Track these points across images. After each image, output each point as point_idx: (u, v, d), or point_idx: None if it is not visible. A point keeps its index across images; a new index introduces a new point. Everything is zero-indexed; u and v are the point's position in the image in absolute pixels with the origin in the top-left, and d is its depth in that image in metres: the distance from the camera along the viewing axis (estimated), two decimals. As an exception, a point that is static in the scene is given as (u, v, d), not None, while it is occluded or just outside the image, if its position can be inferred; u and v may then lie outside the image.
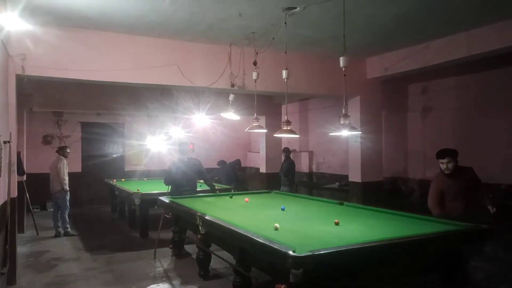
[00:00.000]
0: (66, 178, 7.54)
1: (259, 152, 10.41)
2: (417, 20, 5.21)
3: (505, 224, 5.91)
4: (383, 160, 7.75)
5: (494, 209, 4.32)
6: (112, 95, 8.18)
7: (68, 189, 7.56)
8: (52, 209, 8.06)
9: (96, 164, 10.99)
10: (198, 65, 6.04)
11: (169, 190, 6.37)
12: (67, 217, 7.58)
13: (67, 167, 7.65)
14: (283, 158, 9.07)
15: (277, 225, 3.70)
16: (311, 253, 2.69)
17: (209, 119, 9.27)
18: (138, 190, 7.40)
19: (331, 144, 9.73)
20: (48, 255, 6.17)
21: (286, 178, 8.68)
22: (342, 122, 4.10)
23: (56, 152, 7.95)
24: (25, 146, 8.64)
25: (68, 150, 7.95)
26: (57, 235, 7.44)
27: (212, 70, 6.09)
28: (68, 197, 7.60)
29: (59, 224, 7.53)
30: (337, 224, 3.85)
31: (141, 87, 7.60)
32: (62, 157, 7.68)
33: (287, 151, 9.07)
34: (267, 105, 9.35)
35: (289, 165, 8.80)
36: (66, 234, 7.47)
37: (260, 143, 10.00)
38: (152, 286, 4.79)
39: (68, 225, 7.57)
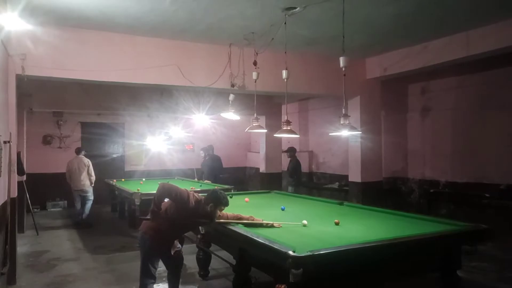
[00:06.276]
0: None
1: (259, 152, 10.41)
2: (416, 21, 5.22)
3: (505, 224, 5.93)
4: (383, 160, 7.75)
5: None
6: (112, 95, 8.18)
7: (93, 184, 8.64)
8: (75, 204, 8.61)
9: (96, 164, 10.92)
10: (198, 65, 6.05)
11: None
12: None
13: None
14: (288, 158, 8.94)
15: (305, 221, 3.84)
16: (311, 253, 2.70)
17: (209, 119, 9.26)
18: (138, 190, 7.40)
19: (331, 144, 9.73)
20: (48, 255, 6.17)
21: (292, 178, 8.64)
22: (342, 122, 4.10)
23: (75, 152, 8.79)
24: (25, 146, 8.64)
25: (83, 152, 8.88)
26: (78, 222, 8.33)
27: (212, 70, 6.09)
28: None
29: (83, 214, 8.39)
30: (337, 224, 3.86)
31: (141, 87, 7.60)
32: (83, 156, 8.52)
33: (292, 150, 8.94)
34: (267, 105, 9.35)
35: (295, 165, 8.73)
36: (86, 221, 8.32)
37: (260, 143, 10.01)
38: (152, 286, 4.77)
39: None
